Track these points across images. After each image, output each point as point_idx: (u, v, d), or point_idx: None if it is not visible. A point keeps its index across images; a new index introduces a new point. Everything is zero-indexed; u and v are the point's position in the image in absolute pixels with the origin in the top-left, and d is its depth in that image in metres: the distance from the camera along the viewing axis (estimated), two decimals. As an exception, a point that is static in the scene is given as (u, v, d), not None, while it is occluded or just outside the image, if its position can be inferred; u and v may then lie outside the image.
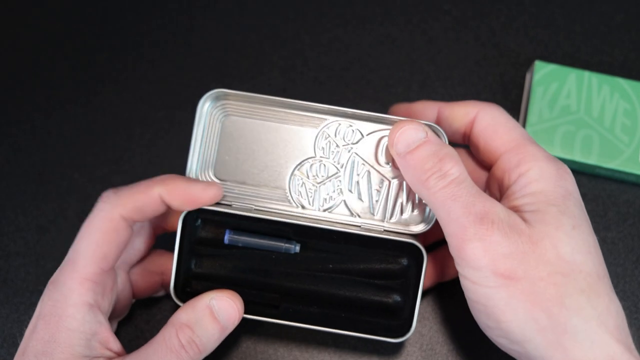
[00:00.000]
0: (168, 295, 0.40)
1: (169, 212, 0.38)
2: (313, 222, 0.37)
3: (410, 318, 0.36)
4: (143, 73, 0.49)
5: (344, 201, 0.38)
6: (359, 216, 0.38)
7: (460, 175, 0.32)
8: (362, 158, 0.38)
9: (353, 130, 0.38)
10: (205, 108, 0.38)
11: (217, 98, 0.38)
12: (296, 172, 0.38)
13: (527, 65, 0.48)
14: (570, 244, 0.31)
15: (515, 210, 0.33)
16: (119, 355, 0.34)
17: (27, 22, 0.50)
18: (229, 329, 0.35)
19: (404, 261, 0.37)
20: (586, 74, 0.45)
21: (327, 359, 0.42)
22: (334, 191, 0.38)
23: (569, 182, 0.33)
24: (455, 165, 0.32)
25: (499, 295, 0.31)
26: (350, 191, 0.38)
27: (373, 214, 0.38)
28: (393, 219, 0.38)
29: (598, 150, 0.44)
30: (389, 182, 0.38)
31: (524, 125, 0.45)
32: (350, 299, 0.37)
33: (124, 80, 0.49)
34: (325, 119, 0.38)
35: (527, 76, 0.47)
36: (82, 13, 0.50)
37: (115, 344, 0.34)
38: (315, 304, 0.37)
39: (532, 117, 0.44)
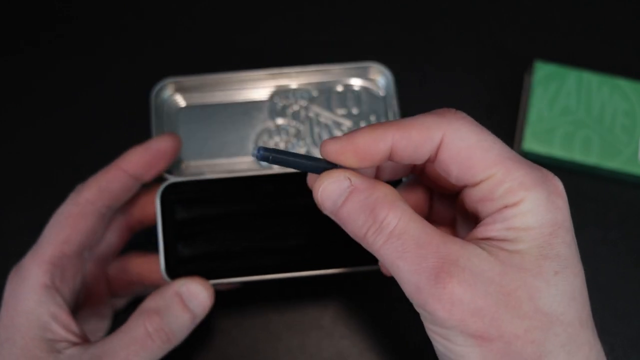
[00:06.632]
0: None
1: (141, 200, 0.38)
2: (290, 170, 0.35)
3: None
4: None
5: None
6: None
7: (399, 223, 0.27)
8: (319, 112, 0.38)
9: (304, 88, 0.38)
10: (158, 99, 0.38)
11: (167, 87, 0.38)
12: (259, 141, 0.39)
13: (527, 65, 0.48)
14: (550, 294, 0.27)
15: (491, 241, 0.28)
16: (81, 340, 0.33)
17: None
18: (199, 316, 0.35)
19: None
20: (585, 74, 0.45)
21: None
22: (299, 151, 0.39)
23: (560, 210, 0.28)
24: (391, 211, 0.27)
25: (472, 355, 0.27)
26: (316, 145, 0.39)
27: None
28: None
29: (598, 150, 0.44)
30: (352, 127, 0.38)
31: (523, 125, 0.45)
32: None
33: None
34: (275, 84, 0.38)
35: (527, 76, 0.47)
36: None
37: (78, 330, 0.33)
38: (312, 252, 0.36)
39: (531, 117, 0.44)
